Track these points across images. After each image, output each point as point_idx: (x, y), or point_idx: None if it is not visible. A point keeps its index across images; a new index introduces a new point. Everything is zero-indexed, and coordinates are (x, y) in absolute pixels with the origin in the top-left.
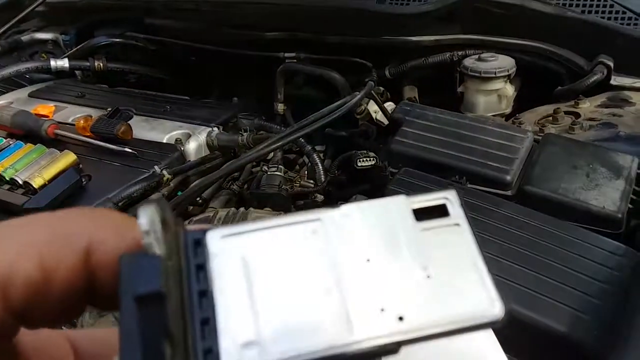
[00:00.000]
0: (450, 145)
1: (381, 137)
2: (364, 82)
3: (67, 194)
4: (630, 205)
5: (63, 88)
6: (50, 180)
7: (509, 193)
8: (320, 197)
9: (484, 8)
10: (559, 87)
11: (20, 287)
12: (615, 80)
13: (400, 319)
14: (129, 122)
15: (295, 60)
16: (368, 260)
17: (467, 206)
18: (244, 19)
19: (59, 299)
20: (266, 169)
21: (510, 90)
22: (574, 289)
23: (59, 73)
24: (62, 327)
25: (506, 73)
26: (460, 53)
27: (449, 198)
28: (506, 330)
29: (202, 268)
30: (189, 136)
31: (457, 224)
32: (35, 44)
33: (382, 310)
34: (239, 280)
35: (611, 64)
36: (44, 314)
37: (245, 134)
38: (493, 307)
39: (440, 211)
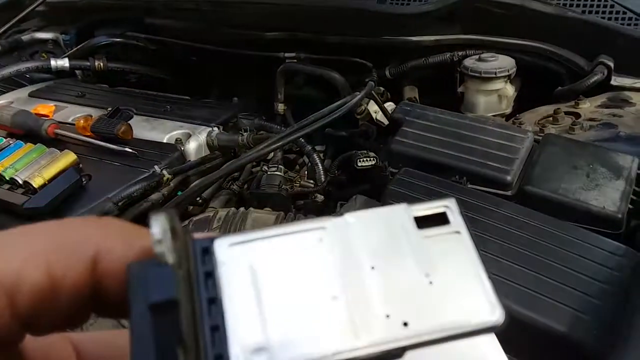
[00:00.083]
0: (450, 146)
1: (381, 137)
2: (364, 82)
3: (67, 193)
4: (630, 206)
5: (63, 88)
6: (50, 180)
7: (509, 193)
8: (320, 197)
9: (484, 8)
10: (559, 88)
11: (27, 295)
12: (616, 80)
13: (405, 324)
14: (129, 121)
15: (295, 60)
16: (372, 267)
17: (467, 206)
18: (244, 18)
19: (65, 307)
20: (266, 168)
21: (510, 90)
22: (574, 289)
23: (59, 73)
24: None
25: (506, 73)
26: (460, 53)
27: (449, 206)
28: (506, 331)
29: (210, 276)
30: (189, 136)
31: (458, 232)
32: (35, 43)
33: (387, 316)
34: (246, 287)
35: (611, 64)
36: (50, 321)
37: (245, 133)
38: (493, 312)
39: (440, 219)
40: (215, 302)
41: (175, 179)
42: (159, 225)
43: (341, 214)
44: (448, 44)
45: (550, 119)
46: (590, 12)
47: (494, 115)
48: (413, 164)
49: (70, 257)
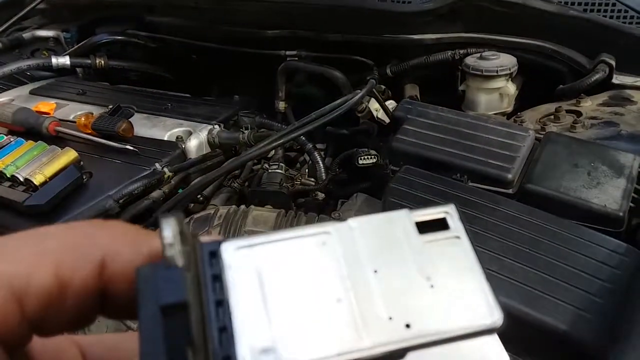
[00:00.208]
0: (451, 144)
1: (382, 135)
2: (366, 80)
3: (68, 191)
4: (631, 204)
5: (64, 85)
6: (51, 178)
7: (510, 191)
8: (321, 195)
9: (485, 6)
10: (561, 86)
11: (35, 297)
12: (617, 79)
13: (407, 326)
14: (130, 119)
15: (296, 58)
16: (375, 271)
17: (468, 204)
18: (245, 16)
19: (72, 309)
20: (267, 166)
21: (511, 88)
22: (575, 287)
23: (60, 70)
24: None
25: (508, 71)
26: (461, 51)
27: (449, 212)
28: (508, 329)
29: (217, 278)
30: (190, 134)
31: (458, 237)
32: (36, 41)
33: (390, 318)
34: (253, 290)
35: (613, 63)
36: (57, 322)
37: (246, 131)
38: (492, 315)
39: (441, 224)
40: (222, 304)
41: (176, 177)
42: (170, 229)
43: (344, 219)
44: (449, 42)
45: (552, 117)
46: (591, 10)
47: (495, 114)
48: (414, 162)
49: (78, 260)
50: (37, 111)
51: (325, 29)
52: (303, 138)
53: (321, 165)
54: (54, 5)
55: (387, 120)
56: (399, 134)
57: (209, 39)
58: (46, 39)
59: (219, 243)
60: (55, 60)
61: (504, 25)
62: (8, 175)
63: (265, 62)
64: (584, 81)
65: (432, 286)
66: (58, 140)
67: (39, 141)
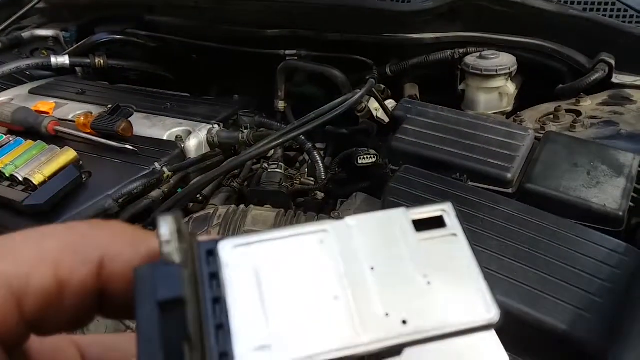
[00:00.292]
0: (451, 143)
1: (382, 134)
2: (365, 79)
3: (67, 190)
4: (631, 204)
5: (63, 85)
6: (51, 177)
7: (510, 191)
8: (320, 195)
9: (485, 5)
10: (560, 85)
11: (34, 297)
12: (617, 78)
13: (404, 322)
14: (129, 119)
15: (296, 58)
16: (372, 268)
17: (468, 204)
18: (244, 16)
19: (71, 309)
20: (266, 166)
21: (511, 88)
22: (575, 287)
23: (60, 70)
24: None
25: (507, 71)
26: (461, 51)
27: (446, 210)
28: (507, 328)
29: (215, 276)
30: (189, 133)
31: (454, 234)
32: (35, 40)
33: (387, 315)
34: (250, 287)
35: (613, 62)
36: (56, 322)
37: (245, 131)
38: (489, 311)
39: (438, 222)
40: (219, 301)
41: (176, 176)
42: (167, 227)
43: (342, 218)
44: (449, 42)
45: (551, 116)
46: (591, 9)
47: (494, 113)
48: (414, 162)
49: (77, 260)
50: (36, 110)
51: (325, 28)
52: (302, 137)
53: (321, 164)
54: (54, 5)
55: (386, 119)
56: (399, 134)
57: (208, 39)
58: (45, 38)
59: (216, 242)
60: (54, 60)
61: (504, 24)
62: (7, 175)
63: (265, 62)
64: (584, 80)
65: (428, 283)
66: (57, 139)
67: (38, 140)
